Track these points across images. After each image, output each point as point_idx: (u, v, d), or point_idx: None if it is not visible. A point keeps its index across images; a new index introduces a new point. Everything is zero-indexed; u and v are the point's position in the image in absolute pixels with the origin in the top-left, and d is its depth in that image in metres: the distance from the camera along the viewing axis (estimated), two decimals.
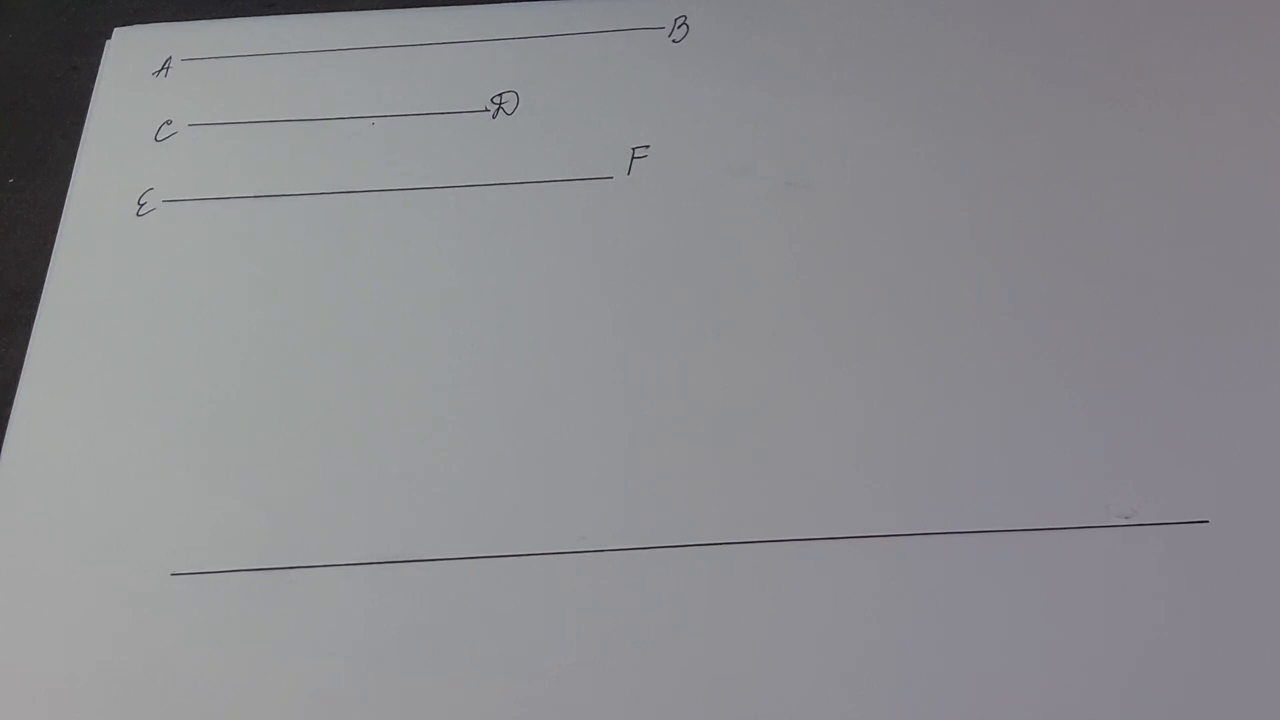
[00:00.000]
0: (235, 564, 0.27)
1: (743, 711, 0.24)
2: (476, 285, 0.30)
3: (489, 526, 0.27)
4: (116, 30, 0.36)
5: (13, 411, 0.29)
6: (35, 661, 0.26)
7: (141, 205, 0.32)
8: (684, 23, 0.34)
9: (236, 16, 0.36)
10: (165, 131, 0.34)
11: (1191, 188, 0.30)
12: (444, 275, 0.31)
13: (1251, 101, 0.32)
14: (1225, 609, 0.25)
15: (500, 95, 0.34)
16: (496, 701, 0.25)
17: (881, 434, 0.27)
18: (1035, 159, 0.31)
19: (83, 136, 0.34)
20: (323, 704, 0.25)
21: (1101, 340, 0.28)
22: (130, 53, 0.35)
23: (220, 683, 0.25)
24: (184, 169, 0.33)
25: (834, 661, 0.25)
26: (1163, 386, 0.28)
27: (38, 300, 0.31)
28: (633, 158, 0.32)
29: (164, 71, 0.35)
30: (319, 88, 0.34)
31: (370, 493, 0.27)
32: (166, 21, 0.36)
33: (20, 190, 0.34)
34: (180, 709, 0.25)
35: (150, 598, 0.26)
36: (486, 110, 0.33)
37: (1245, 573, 0.25)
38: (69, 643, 0.26)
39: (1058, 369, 0.28)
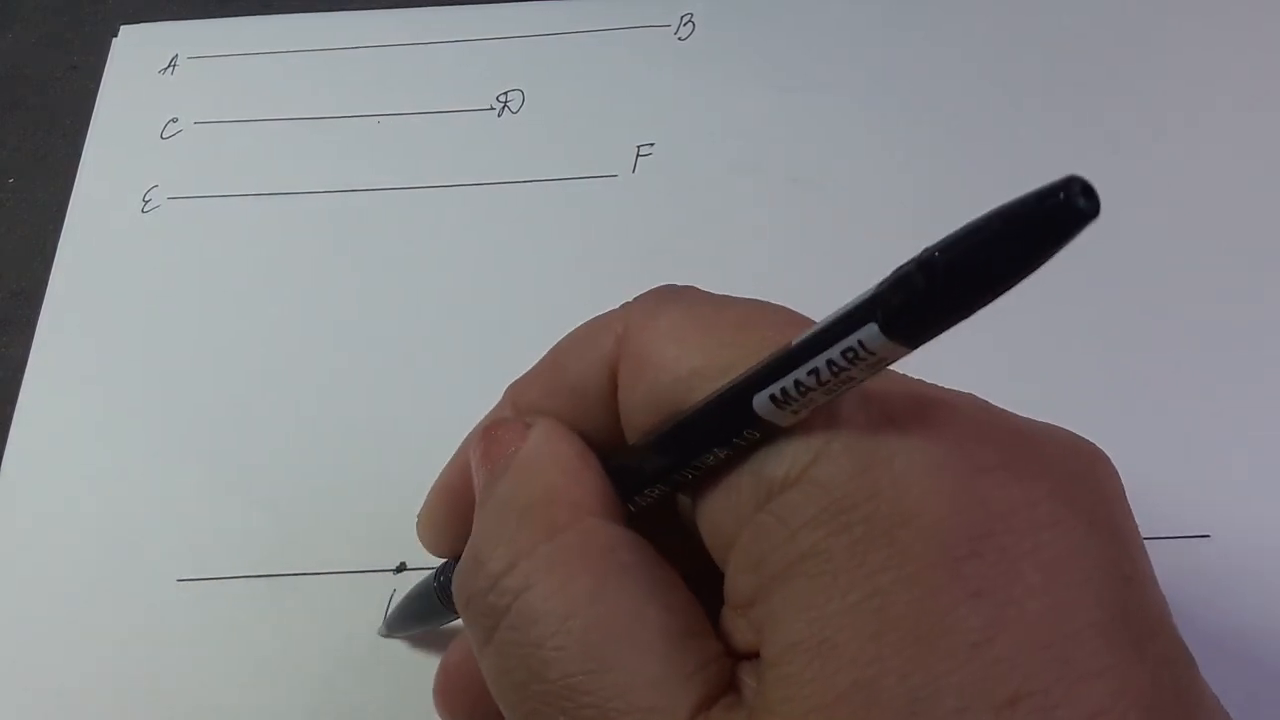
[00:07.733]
0: (240, 570, 0.27)
1: None
2: (480, 283, 0.30)
3: None
4: (123, 27, 0.36)
5: (16, 411, 0.29)
6: (42, 665, 0.26)
7: (147, 202, 0.32)
8: (690, 20, 0.34)
9: (242, 15, 0.36)
10: (171, 129, 0.33)
11: (1191, 188, 0.30)
12: (449, 273, 0.31)
13: (1252, 101, 0.32)
14: (1226, 619, 0.25)
15: (506, 93, 0.34)
16: None
17: None
18: (1035, 159, 0.31)
19: (88, 133, 0.34)
20: (326, 708, 0.25)
21: (1106, 359, 0.28)
22: (137, 50, 0.35)
23: (225, 687, 0.25)
24: (189, 166, 0.33)
25: None
26: (1167, 405, 0.28)
27: (38, 300, 0.31)
28: (638, 155, 0.32)
29: (170, 69, 0.35)
30: (325, 86, 0.34)
31: (374, 497, 0.27)
32: (168, 21, 0.36)
33: (20, 190, 0.34)
34: (185, 713, 0.25)
35: (156, 603, 0.26)
36: (492, 109, 0.33)
37: (1245, 584, 0.25)
38: (75, 647, 0.26)
39: (1064, 388, 0.28)
